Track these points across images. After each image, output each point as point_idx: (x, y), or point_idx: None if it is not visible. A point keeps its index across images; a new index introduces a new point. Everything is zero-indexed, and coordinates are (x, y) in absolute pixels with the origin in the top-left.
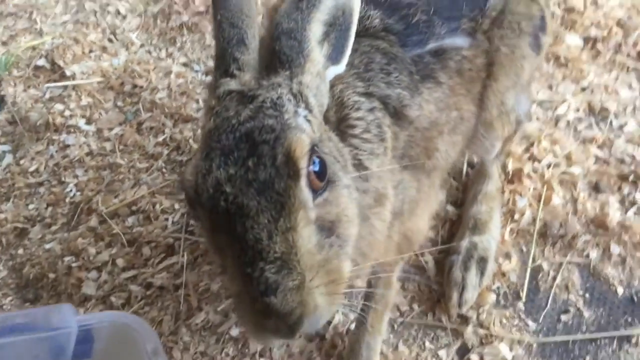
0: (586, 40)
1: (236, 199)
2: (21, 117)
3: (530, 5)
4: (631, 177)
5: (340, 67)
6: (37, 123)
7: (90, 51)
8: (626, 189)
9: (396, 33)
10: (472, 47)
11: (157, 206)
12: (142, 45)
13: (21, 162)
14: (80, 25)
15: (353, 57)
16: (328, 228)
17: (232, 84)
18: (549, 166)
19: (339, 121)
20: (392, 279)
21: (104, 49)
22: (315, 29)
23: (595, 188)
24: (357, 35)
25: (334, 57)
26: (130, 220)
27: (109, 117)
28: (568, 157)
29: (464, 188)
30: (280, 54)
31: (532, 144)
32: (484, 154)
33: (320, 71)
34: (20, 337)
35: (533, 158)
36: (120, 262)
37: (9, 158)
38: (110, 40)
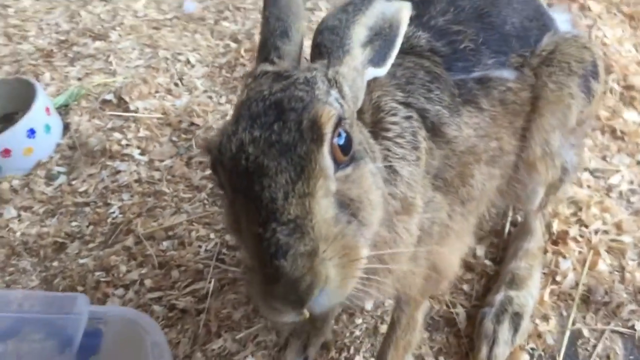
0: None
1: (257, 159)
2: (81, 142)
3: (582, 50)
4: None
5: (381, 71)
6: (95, 148)
7: (156, 92)
8: None
9: (442, 55)
10: (518, 80)
11: (193, 233)
12: (205, 91)
13: (73, 182)
14: (151, 70)
15: (395, 69)
16: (348, 206)
17: (269, 67)
18: (596, 232)
19: (374, 124)
20: (417, 316)
21: (169, 90)
22: (359, 31)
23: None
24: (403, 52)
25: (375, 61)
26: (165, 244)
27: (162, 149)
28: (618, 226)
29: (504, 246)
30: (320, 46)
31: (580, 209)
32: (525, 203)
33: (358, 67)
34: (31, 315)
35: (580, 222)
36: (148, 282)
37: (62, 178)
38: (176, 85)
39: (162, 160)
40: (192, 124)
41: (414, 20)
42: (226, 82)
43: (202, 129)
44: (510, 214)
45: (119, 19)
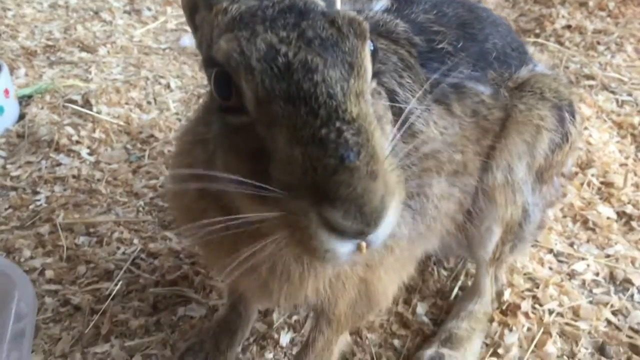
0: (620, 214)
1: (297, 55)
2: (31, 132)
3: (559, 85)
4: None
5: None
6: (42, 138)
7: (126, 103)
8: None
9: (418, 49)
10: (492, 97)
11: (116, 234)
12: (175, 113)
13: (8, 166)
14: (128, 85)
15: None
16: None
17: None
18: (551, 312)
19: None
20: (333, 345)
21: (139, 105)
22: None
23: (601, 350)
24: (377, 33)
25: None
26: (82, 239)
27: (112, 153)
28: (575, 311)
29: (448, 309)
30: None
31: (537, 286)
32: (479, 246)
33: None
34: None
35: (535, 299)
36: (49, 272)
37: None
38: (149, 102)
39: (108, 164)
40: (152, 135)
41: (393, 11)
42: None
43: (161, 142)
44: (462, 278)
45: (113, 38)
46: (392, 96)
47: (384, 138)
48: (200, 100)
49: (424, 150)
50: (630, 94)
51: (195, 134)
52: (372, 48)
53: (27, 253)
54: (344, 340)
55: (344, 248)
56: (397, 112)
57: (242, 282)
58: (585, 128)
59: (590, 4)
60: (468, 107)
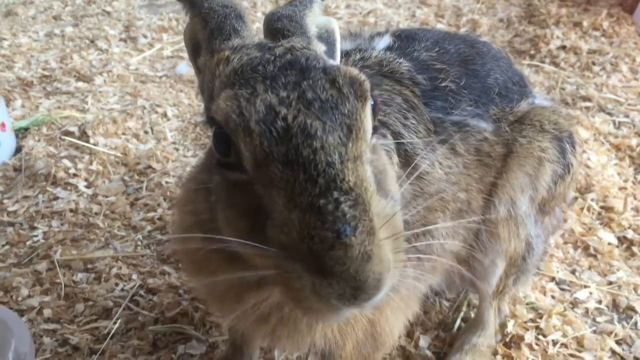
0: (621, 240)
1: (296, 118)
2: (27, 165)
3: (559, 117)
4: None
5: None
6: (39, 172)
7: (123, 133)
8: None
9: (422, 88)
10: (494, 133)
11: (114, 270)
12: (173, 142)
13: (5, 201)
14: (125, 114)
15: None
16: (376, 177)
17: (242, 41)
18: (555, 343)
19: None
20: None
21: (136, 135)
22: (310, 25)
23: None
24: (381, 74)
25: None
26: (80, 275)
27: (109, 185)
28: (579, 341)
29: (451, 341)
30: (281, 32)
31: (540, 317)
32: (482, 279)
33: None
34: None
35: (539, 330)
36: (47, 311)
37: None
38: (146, 132)
39: (106, 196)
40: (149, 167)
41: (395, 50)
42: (197, 139)
43: (158, 173)
44: (464, 309)
45: (109, 67)
46: (397, 138)
47: (382, 201)
48: (198, 129)
49: (429, 190)
50: (627, 115)
51: (198, 182)
52: (372, 103)
53: (24, 292)
54: None
55: (336, 316)
56: (402, 155)
57: (249, 328)
58: (584, 151)
59: (585, 23)
60: (471, 145)
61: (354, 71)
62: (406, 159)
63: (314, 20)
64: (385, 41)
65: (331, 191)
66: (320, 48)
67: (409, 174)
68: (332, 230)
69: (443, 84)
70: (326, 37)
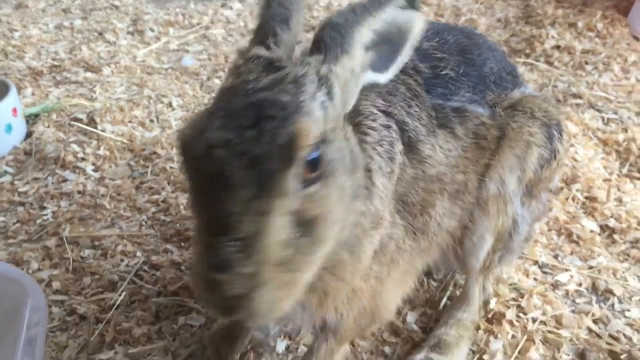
0: (603, 228)
1: (222, 166)
2: (37, 149)
3: (548, 106)
4: (623, 357)
5: (382, 77)
6: (48, 155)
7: (130, 121)
8: None
9: (424, 77)
10: (490, 117)
11: (120, 247)
12: (177, 131)
13: (16, 182)
14: (131, 103)
15: None
16: (304, 225)
17: (264, 52)
18: (534, 320)
19: (352, 127)
20: (335, 355)
21: (142, 123)
22: (364, 33)
23: (582, 356)
24: None
25: (377, 67)
26: (88, 251)
27: (116, 170)
28: (558, 320)
29: (437, 317)
30: (320, 42)
31: (522, 296)
32: (471, 254)
33: (355, 69)
34: None
35: (520, 308)
36: (56, 284)
37: (7, 178)
38: (151, 121)
39: (113, 179)
40: (154, 152)
41: None
42: None
43: (163, 159)
44: (451, 288)
45: (117, 59)
46: (402, 126)
47: (279, 249)
48: None
49: (430, 172)
50: (615, 112)
51: None
52: (312, 158)
53: (34, 265)
54: (344, 352)
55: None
56: (406, 142)
57: None
58: (572, 145)
59: (579, 24)
60: (470, 129)
61: (299, 131)
62: (410, 145)
63: (375, 25)
64: None
65: (221, 235)
66: (363, 59)
67: (411, 161)
68: (210, 263)
69: (443, 72)
70: (393, 37)
